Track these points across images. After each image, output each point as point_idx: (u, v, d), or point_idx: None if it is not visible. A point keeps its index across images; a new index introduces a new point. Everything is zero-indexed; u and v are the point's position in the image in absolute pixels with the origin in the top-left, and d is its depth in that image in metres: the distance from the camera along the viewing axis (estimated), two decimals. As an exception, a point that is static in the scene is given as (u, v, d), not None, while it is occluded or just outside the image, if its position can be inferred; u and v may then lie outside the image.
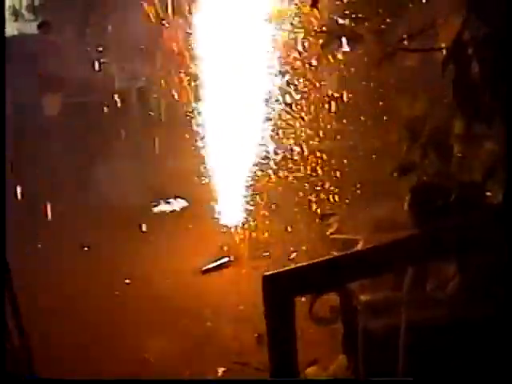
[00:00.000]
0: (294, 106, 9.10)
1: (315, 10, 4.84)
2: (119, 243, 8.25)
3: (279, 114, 9.01)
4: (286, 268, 2.68)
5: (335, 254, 5.38)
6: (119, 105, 12.38)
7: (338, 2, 7.10)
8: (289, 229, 8.26)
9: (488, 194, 4.66)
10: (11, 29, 14.62)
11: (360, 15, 5.87)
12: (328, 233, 5.93)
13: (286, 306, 2.64)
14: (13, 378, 4.09)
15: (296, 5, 6.76)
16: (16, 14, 14.81)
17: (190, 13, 9.25)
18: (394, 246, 2.92)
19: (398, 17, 5.13)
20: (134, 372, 5.67)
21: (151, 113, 12.21)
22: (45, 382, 4.06)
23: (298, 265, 2.74)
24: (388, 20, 5.12)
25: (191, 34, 9.25)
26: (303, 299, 4.27)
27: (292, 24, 7.70)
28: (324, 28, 6.82)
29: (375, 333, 4.36)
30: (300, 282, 2.70)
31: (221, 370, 5.84)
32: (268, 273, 2.63)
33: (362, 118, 8.96)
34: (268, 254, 7.98)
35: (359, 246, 5.15)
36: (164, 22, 11.04)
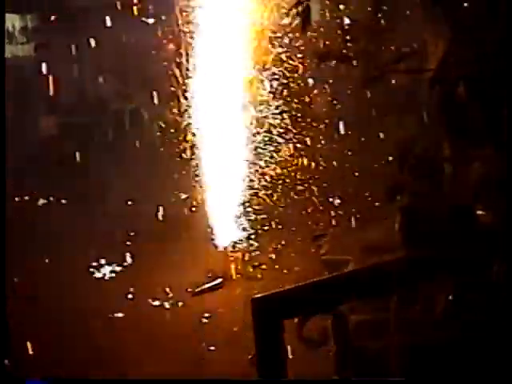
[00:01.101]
0: (283, 130, 9.16)
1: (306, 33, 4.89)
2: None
3: (269, 138, 9.07)
4: (275, 291, 2.70)
5: (326, 274, 5.41)
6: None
7: (327, 26, 7.20)
8: (281, 250, 8.27)
9: (480, 213, 4.68)
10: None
11: (350, 37, 5.94)
12: (320, 254, 5.94)
13: (275, 329, 2.66)
14: (13, 378, 4.10)
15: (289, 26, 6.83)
16: (9, 37, 14.86)
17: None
18: (383, 268, 2.94)
19: (387, 39, 5.19)
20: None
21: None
22: (45, 382, 4.05)
23: (287, 287, 2.76)
24: (377, 42, 5.19)
25: (184, 52, 9.31)
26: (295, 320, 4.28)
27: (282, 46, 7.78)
28: (315, 50, 6.89)
29: (366, 353, 4.35)
30: (289, 304, 2.72)
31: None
32: (257, 296, 2.65)
33: (351, 139, 9.01)
34: (260, 275, 7.98)
35: (350, 267, 5.16)
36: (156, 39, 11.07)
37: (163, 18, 10.57)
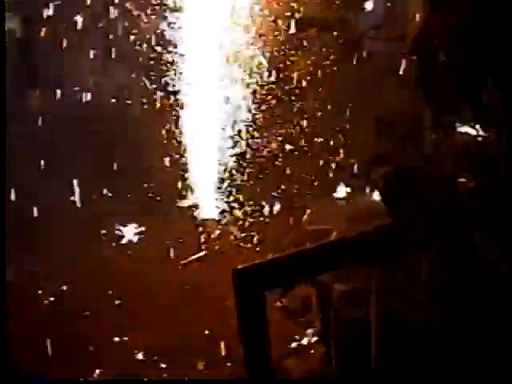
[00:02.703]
0: (263, 96, 9.12)
1: None
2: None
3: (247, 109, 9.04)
4: (256, 261, 2.70)
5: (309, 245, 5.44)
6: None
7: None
8: (265, 220, 8.28)
9: (462, 180, 4.71)
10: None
11: (330, 6, 5.91)
12: (303, 223, 5.97)
13: (257, 299, 2.66)
14: (13, 378, 4.10)
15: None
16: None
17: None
18: (361, 238, 2.95)
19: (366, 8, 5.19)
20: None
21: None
22: (45, 382, 4.06)
23: (268, 258, 2.77)
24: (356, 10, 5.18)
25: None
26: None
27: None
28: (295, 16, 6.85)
29: (350, 322, 4.39)
30: (270, 274, 2.72)
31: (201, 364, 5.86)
32: (238, 267, 2.66)
33: (332, 111, 8.99)
34: (245, 246, 8.00)
35: (332, 237, 5.18)
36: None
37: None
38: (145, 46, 9.25)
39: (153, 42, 9.28)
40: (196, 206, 8.66)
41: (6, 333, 4.47)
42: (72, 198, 8.79)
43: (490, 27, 3.84)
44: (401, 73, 4.68)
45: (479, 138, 4.45)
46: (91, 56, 11.60)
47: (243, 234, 8.16)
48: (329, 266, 3.07)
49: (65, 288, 7.32)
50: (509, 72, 3.88)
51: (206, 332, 6.29)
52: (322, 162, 8.58)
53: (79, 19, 11.79)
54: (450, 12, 3.88)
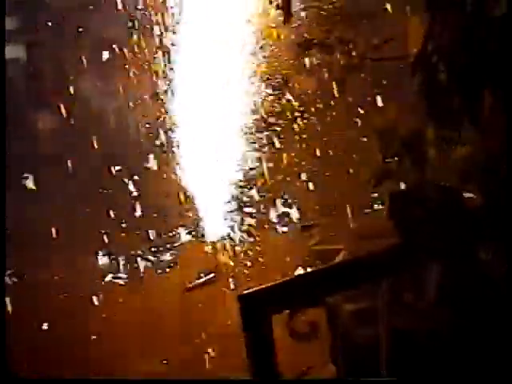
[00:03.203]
0: (269, 117, 9.16)
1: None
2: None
3: (256, 129, 9.08)
4: (262, 286, 2.69)
5: (318, 264, 5.43)
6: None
7: (309, 17, 7.20)
8: (271, 242, 8.28)
9: (468, 195, 4.69)
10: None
11: (329, 28, 5.94)
12: (310, 244, 5.95)
13: (264, 324, 2.65)
14: (13, 378, 4.10)
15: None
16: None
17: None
18: (370, 258, 2.94)
19: (367, 28, 5.20)
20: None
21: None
22: (45, 382, 4.05)
23: (275, 282, 2.76)
24: (356, 30, 5.20)
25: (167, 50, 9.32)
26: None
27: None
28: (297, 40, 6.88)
29: (359, 341, 4.36)
30: (277, 299, 2.71)
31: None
32: (244, 292, 2.65)
33: (336, 127, 9.00)
34: (252, 268, 7.98)
35: (340, 256, 5.16)
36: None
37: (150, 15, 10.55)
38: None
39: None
40: (202, 229, 8.67)
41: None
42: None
43: (489, 33, 3.86)
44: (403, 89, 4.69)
45: (482, 152, 4.44)
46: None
47: (249, 255, 8.16)
48: (336, 287, 3.06)
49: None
50: (509, 82, 3.88)
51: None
52: (327, 180, 8.61)
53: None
54: (451, 29, 3.89)
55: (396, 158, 4.97)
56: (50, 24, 11.98)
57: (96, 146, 9.93)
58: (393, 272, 3.57)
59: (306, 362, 4.76)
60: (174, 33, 9.44)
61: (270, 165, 9.27)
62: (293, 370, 3.61)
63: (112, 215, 8.92)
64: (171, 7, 9.37)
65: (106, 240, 8.69)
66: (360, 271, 2.92)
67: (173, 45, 9.44)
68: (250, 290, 2.68)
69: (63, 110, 10.51)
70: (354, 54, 4.99)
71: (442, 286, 3.99)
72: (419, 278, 3.91)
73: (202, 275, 8.04)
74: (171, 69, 9.34)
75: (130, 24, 10.54)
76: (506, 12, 3.78)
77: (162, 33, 9.58)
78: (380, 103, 6.35)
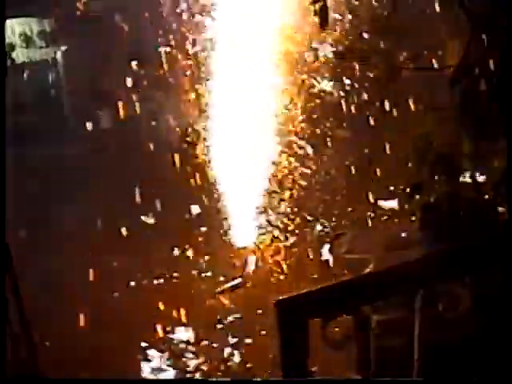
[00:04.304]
0: (302, 129, 9.20)
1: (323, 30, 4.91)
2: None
3: (287, 139, 9.12)
4: (298, 293, 2.71)
5: (347, 274, 5.42)
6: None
7: (347, 24, 7.20)
8: (301, 250, 8.28)
9: (500, 209, 4.68)
10: (22, 56, 14.76)
11: (367, 36, 5.94)
12: (340, 253, 5.93)
13: (299, 331, 2.67)
14: (13, 378, 4.14)
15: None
16: (27, 41, 14.91)
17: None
18: (405, 268, 2.94)
19: (405, 37, 5.20)
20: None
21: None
22: (45, 382, 4.08)
23: (310, 289, 2.77)
24: (395, 41, 5.20)
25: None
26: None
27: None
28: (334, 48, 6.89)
29: (388, 352, 4.37)
30: (312, 306, 2.73)
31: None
32: (280, 298, 2.67)
33: (371, 138, 8.99)
34: (281, 274, 7.99)
35: (371, 266, 5.16)
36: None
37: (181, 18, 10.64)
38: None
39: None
40: (232, 234, 8.71)
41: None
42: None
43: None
44: (440, 102, 4.68)
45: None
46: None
47: (280, 263, 8.17)
48: (369, 297, 3.06)
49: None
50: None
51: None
52: (358, 190, 8.60)
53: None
54: (491, 43, 3.89)
55: (430, 170, 4.98)
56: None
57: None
58: (426, 283, 3.57)
59: (336, 370, 4.76)
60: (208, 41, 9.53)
61: (301, 172, 9.31)
62: (322, 374, 3.63)
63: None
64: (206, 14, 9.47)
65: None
66: (395, 282, 2.92)
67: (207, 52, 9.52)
68: (287, 296, 2.70)
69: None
70: (390, 64, 4.99)
71: (474, 297, 3.99)
72: (453, 289, 3.92)
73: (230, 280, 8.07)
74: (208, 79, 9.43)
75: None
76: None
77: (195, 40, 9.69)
78: (416, 114, 6.35)
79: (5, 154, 4.53)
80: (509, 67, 3.90)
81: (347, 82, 8.17)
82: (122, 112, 11.70)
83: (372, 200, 8.27)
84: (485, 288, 3.92)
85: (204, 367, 6.38)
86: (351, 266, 5.53)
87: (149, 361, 6.52)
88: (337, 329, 3.95)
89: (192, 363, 6.47)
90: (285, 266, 8.06)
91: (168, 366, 6.45)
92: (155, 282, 8.00)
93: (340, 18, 7.23)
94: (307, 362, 2.77)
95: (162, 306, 7.18)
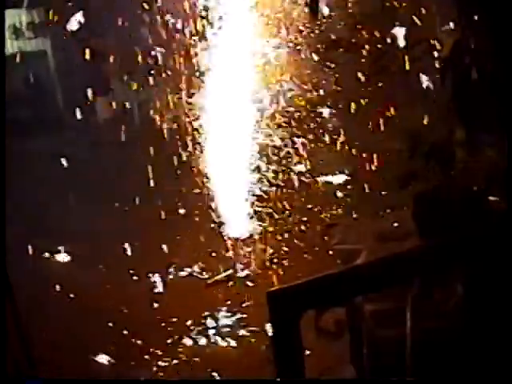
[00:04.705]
0: (295, 117, 9.17)
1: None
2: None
3: (279, 127, 9.08)
4: (291, 283, 2.68)
5: (339, 264, 5.41)
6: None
7: (336, 13, 7.17)
8: (293, 240, 8.26)
9: (492, 199, 4.66)
10: (11, 47, 14.68)
11: (359, 26, 5.91)
12: (331, 243, 5.92)
13: (292, 322, 2.64)
14: (13, 377, 4.12)
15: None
16: (16, 33, 14.86)
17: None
18: (399, 259, 2.91)
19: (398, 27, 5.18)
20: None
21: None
22: (44, 381, 4.06)
23: (303, 280, 2.74)
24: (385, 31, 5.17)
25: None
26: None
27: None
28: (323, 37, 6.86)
29: (381, 342, 4.35)
30: (304, 297, 2.70)
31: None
32: (272, 289, 2.64)
33: (362, 128, 8.97)
34: (271, 266, 7.96)
35: (362, 256, 5.15)
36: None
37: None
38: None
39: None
40: (223, 225, 8.68)
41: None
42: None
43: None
44: (432, 90, 4.66)
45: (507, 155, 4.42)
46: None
47: (270, 253, 8.15)
48: (362, 288, 3.03)
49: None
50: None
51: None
52: (351, 179, 8.58)
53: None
54: (483, 31, 3.86)
55: (423, 160, 4.96)
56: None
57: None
58: (419, 273, 3.55)
59: (329, 361, 4.74)
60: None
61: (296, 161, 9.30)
62: (317, 368, 3.61)
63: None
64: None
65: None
66: (388, 272, 2.89)
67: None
68: (279, 287, 2.67)
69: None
70: (382, 54, 4.96)
71: (468, 288, 3.97)
72: (446, 279, 3.90)
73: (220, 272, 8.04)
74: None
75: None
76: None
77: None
78: (409, 104, 6.33)
79: (5, 154, 4.50)
80: (509, 64, 3.88)
81: (339, 69, 8.13)
82: (116, 102, 11.69)
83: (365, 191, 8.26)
84: (479, 279, 3.90)
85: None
86: (343, 257, 5.52)
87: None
88: (330, 319, 3.94)
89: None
90: (276, 257, 8.04)
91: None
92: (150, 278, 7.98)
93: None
94: (301, 353, 2.74)
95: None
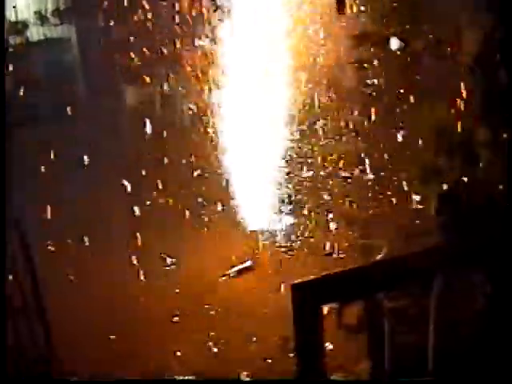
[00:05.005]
0: (319, 110, 9.16)
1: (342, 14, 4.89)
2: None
3: (303, 120, 9.09)
4: (314, 277, 2.70)
5: (360, 258, 5.43)
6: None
7: (363, 8, 7.16)
8: (314, 234, 8.26)
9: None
10: (37, 34, 14.79)
11: (387, 20, 5.89)
12: (353, 238, 5.95)
13: (314, 314, 2.67)
14: (13, 377, 4.17)
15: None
16: (42, 19, 14.96)
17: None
18: (422, 255, 2.93)
19: (424, 23, 5.15)
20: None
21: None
22: (45, 381, 4.10)
23: (326, 273, 2.77)
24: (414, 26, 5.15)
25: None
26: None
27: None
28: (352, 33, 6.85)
29: (401, 338, 4.36)
30: (328, 290, 2.72)
31: (244, 374, 5.85)
32: (297, 281, 2.67)
33: (387, 124, 8.93)
34: (291, 258, 7.97)
35: (384, 252, 5.16)
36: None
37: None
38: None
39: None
40: (243, 218, 8.72)
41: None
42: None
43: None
44: (458, 89, 4.64)
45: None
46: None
47: (291, 246, 8.17)
48: (384, 284, 3.05)
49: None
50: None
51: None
52: (373, 177, 8.56)
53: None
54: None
55: (447, 157, 4.95)
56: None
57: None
58: (442, 271, 3.56)
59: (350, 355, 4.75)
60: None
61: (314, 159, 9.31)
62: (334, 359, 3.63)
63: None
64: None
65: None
66: (410, 269, 2.91)
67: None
68: (303, 280, 2.69)
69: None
70: (409, 50, 4.95)
71: (487, 288, 3.97)
72: (470, 278, 3.90)
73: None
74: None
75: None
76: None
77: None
78: (434, 101, 6.30)
79: (5, 154, 4.53)
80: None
81: (363, 67, 8.10)
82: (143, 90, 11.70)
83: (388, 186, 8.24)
84: (502, 280, 3.90)
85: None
86: (365, 252, 5.55)
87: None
88: (352, 314, 3.95)
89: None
90: (295, 251, 8.05)
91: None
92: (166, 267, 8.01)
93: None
94: (322, 346, 2.77)
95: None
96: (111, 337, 6.47)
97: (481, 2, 4.42)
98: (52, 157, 10.05)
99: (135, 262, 7.76)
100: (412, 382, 3.79)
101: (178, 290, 7.38)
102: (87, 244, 8.22)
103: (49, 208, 8.60)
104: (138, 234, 8.18)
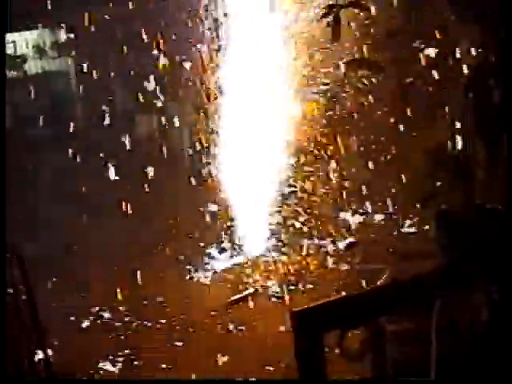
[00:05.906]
0: (316, 136, 9.19)
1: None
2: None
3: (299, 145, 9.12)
4: (314, 304, 2.69)
5: (361, 283, 5.41)
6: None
7: (358, 34, 7.20)
8: (314, 260, 8.25)
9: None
10: (35, 67, 14.86)
11: (380, 46, 5.93)
12: (354, 263, 5.93)
13: (315, 341, 2.65)
14: (13, 377, 4.14)
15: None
16: (40, 52, 15.03)
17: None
18: (422, 279, 2.92)
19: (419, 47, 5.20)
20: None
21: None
22: (44, 381, 4.08)
23: (326, 300, 2.76)
24: (408, 50, 5.19)
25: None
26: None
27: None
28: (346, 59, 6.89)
29: (403, 362, 4.33)
30: (328, 317, 2.71)
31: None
32: (296, 309, 2.65)
33: (383, 146, 8.96)
34: (293, 285, 7.95)
35: (386, 275, 5.14)
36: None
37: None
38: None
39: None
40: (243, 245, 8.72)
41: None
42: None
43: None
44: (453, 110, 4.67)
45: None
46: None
47: (292, 271, 8.15)
48: (385, 309, 3.04)
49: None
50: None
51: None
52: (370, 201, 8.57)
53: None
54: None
55: (444, 178, 4.96)
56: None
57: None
58: (442, 294, 3.55)
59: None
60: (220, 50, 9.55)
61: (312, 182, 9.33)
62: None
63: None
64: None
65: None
66: (412, 293, 2.91)
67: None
68: (302, 307, 2.68)
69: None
70: (404, 74, 4.99)
71: (491, 308, 3.95)
72: (470, 299, 3.88)
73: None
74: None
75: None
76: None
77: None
78: (431, 123, 6.33)
79: (5, 154, 4.54)
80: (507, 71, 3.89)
81: (359, 88, 8.12)
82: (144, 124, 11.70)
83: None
84: (503, 299, 3.88)
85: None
86: (366, 276, 5.53)
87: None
88: (354, 340, 3.92)
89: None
90: (299, 277, 8.02)
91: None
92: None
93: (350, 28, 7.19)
94: (323, 371, 2.75)
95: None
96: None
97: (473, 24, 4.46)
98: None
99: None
100: (412, 382, 3.76)
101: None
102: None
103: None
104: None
